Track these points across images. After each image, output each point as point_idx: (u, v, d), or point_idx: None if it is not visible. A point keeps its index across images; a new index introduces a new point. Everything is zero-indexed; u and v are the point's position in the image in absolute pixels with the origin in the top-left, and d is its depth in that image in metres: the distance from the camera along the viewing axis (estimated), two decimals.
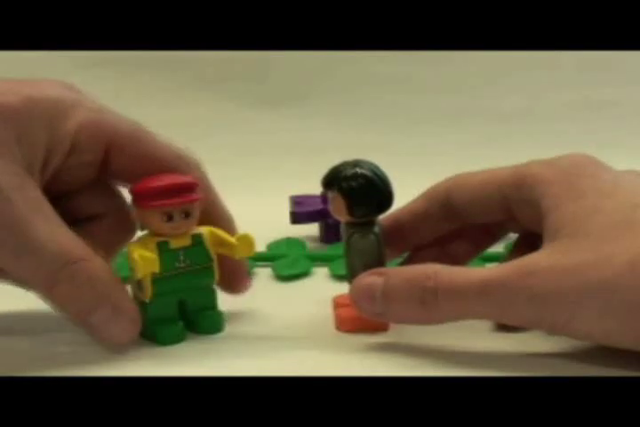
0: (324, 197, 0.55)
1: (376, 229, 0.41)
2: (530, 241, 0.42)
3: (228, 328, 0.42)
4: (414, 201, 0.43)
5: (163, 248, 0.40)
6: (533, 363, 0.37)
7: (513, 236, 0.46)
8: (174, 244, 0.40)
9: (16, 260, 0.38)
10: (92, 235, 0.42)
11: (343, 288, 0.42)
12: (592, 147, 0.41)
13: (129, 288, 0.41)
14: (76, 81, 0.43)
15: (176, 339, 0.41)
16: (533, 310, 0.36)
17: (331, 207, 0.41)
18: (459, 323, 0.39)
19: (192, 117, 0.80)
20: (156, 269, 0.39)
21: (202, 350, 0.40)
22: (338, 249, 0.44)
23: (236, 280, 0.44)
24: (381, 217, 0.42)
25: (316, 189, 0.44)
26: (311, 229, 0.58)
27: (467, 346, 0.40)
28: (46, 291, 0.39)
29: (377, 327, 0.41)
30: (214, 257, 0.41)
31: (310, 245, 0.56)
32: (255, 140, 0.79)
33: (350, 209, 0.40)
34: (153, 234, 0.40)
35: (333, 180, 0.40)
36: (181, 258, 0.40)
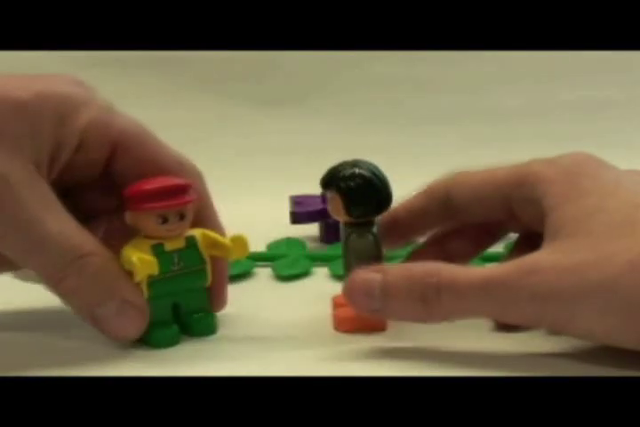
0: (323, 197, 0.55)
1: (374, 229, 0.41)
2: (530, 241, 0.42)
3: (228, 328, 0.42)
4: (413, 197, 0.43)
5: (157, 251, 0.40)
6: (533, 363, 0.37)
7: (513, 236, 0.46)
8: (169, 246, 0.40)
9: (26, 254, 0.39)
10: (99, 231, 0.42)
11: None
12: (592, 147, 0.41)
13: None
14: None
15: (171, 342, 0.41)
16: (534, 308, 0.36)
17: (329, 207, 0.41)
18: (458, 323, 0.39)
19: (192, 117, 0.80)
20: (155, 271, 0.39)
21: (201, 350, 0.40)
22: (338, 249, 0.44)
23: (213, 297, 0.43)
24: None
25: (315, 189, 0.44)
26: (311, 229, 0.58)
27: (466, 346, 0.40)
28: (55, 284, 0.39)
29: (375, 327, 0.41)
30: (207, 259, 0.41)
31: (310, 245, 0.56)
32: (255, 140, 0.79)
33: (348, 209, 0.40)
34: (146, 237, 0.40)
35: (332, 180, 0.40)
36: (176, 260, 0.40)
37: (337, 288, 0.45)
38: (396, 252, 0.49)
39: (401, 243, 0.44)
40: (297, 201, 0.58)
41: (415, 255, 0.44)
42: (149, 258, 0.39)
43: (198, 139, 0.75)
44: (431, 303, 0.38)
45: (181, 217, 0.40)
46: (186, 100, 0.82)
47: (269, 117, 0.82)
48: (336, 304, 0.43)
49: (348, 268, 0.41)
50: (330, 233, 0.57)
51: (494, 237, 0.45)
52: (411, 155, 0.74)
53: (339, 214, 0.41)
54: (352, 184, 0.40)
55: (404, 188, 0.43)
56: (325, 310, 0.43)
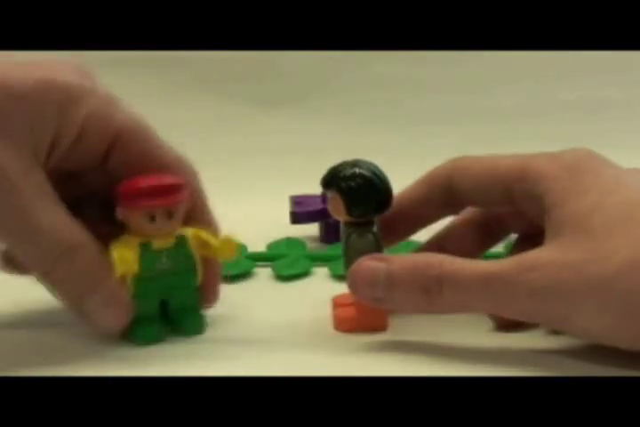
0: (323, 197, 0.55)
1: (374, 228, 0.41)
2: (530, 241, 0.42)
3: (228, 328, 0.43)
4: (414, 186, 0.43)
5: (145, 249, 0.40)
6: (533, 363, 0.38)
7: (513, 236, 0.46)
8: (157, 244, 0.40)
9: (18, 243, 0.39)
10: (92, 216, 0.42)
11: (343, 288, 0.42)
12: (592, 147, 0.41)
13: None
14: None
15: (154, 339, 0.41)
16: (533, 304, 0.36)
17: (329, 207, 0.41)
18: (458, 323, 0.39)
19: (192, 117, 0.80)
20: (134, 269, 0.39)
21: (200, 349, 0.40)
22: (338, 249, 0.44)
23: (204, 294, 0.43)
24: None
25: (316, 189, 0.44)
26: (311, 229, 0.58)
27: (466, 346, 0.40)
28: (44, 274, 0.40)
29: (375, 327, 0.41)
30: (198, 259, 0.41)
31: (310, 245, 0.56)
32: (255, 140, 0.79)
33: (349, 209, 0.40)
34: (136, 234, 0.40)
35: (332, 179, 0.40)
36: (164, 259, 0.40)
37: (337, 288, 0.45)
38: (397, 251, 0.49)
39: (405, 234, 0.44)
40: (297, 201, 0.58)
41: None
42: (129, 256, 0.39)
43: (198, 139, 0.75)
44: (433, 295, 0.38)
45: (170, 216, 0.40)
46: (186, 100, 0.82)
47: (269, 117, 0.82)
48: (336, 304, 0.43)
49: (349, 267, 0.41)
50: (330, 233, 0.57)
51: (495, 237, 0.45)
52: (411, 155, 0.73)
53: (339, 214, 0.41)
54: (352, 184, 0.40)
55: (404, 188, 0.43)
56: (325, 310, 0.43)
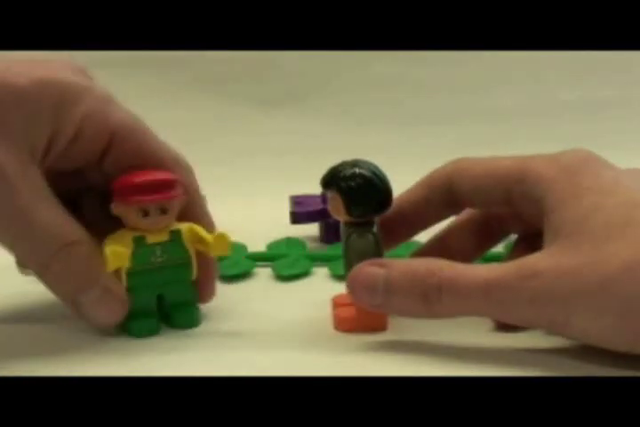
0: (323, 197, 0.55)
1: (374, 228, 0.41)
2: (529, 241, 0.42)
3: (228, 328, 0.42)
4: (414, 188, 0.43)
5: (139, 243, 0.40)
6: (533, 363, 0.37)
7: (513, 237, 0.46)
8: (151, 239, 0.41)
9: (15, 241, 0.40)
10: (90, 213, 0.43)
11: (343, 288, 0.42)
12: (592, 147, 0.41)
13: None
14: None
15: (149, 332, 0.41)
16: (533, 310, 0.36)
17: (329, 207, 0.41)
18: (458, 323, 0.39)
19: (192, 118, 0.80)
20: (126, 263, 0.40)
21: (199, 349, 0.40)
22: (338, 249, 0.44)
23: (200, 289, 0.43)
24: None
25: (316, 189, 0.44)
26: (311, 229, 0.58)
27: (466, 346, 0.40)
28: (41, 271, 0.40)
29: (375, 327, 0.41)
30: (192, 253, 0.42)
31: (310, 245, 0.56)
32: (255, 140, 0.79)
33: (349, 209, 0.40)
34: (130, 229, 0.41)
35: (332, 179, 0.40)
36: (158, 253, 0.41)
37: (337, 288, 0.45)
38: (398, 252, 0.49)
39: (405, 236, 0.44)
40: (297, 201, 0.58)
41: (417, 257, 0.44)
42: (121, 250, 0.40)
43: (198, 139, 0.75)
44: (432, 302, 0.38)
45: (163, 211, 0.40)
46: (186, 100, 0.82)
47: (269, 117, 0.82)
48: (336, 304, 0.43)
49: (349, 268, 0.41)
50: (330, 233, 0.57)
51: (495, 238, 0.45)
52: (411, 155, 0.73)
53: (339, 214, 0.41)
54: (352, 184, 0.40)
55: (404, 188, 0.43)
56: (325, 310, 0.43)
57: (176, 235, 0.41)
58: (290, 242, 0.55)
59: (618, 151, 0.47)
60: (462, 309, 0.38)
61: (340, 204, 0.40)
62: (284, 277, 0.51)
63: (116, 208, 0.40)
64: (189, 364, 0.39)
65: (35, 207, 0.39)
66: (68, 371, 0.38)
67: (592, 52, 0.77)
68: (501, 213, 0.44)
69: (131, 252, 0.40)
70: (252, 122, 0.81)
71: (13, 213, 0.39)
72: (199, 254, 0.42)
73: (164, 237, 0.41)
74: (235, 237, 0.42)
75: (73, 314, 0.41)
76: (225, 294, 0.45)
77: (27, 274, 0.44)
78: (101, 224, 0.41)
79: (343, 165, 0.41)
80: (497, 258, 0.49)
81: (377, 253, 0.41)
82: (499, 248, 0.48)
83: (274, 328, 0.42)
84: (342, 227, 0.41)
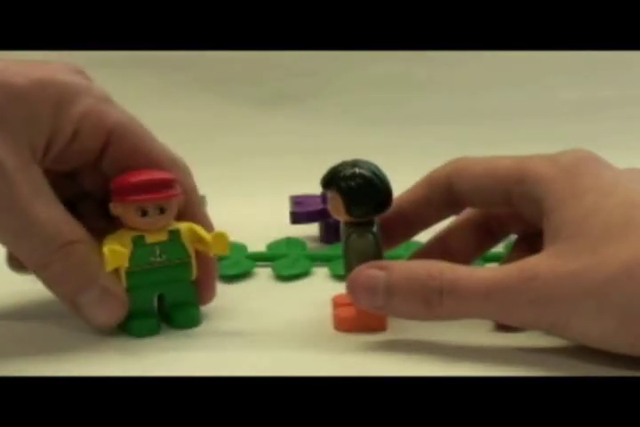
0: (323, 197, 0.55)
1: (374, 228, 0.41)
2: (529, 241, 0.42)
3: (227, 328, 0.42)
4: (414, 187, 0.43)
5: (138, 243, 0.40)
6: (533, 363, 0.37)
7: (513, 237, 0.46)
8: (150, 238, 0.41)
9: (14, 240, 0.40)
10: (89, 213, 0.43)
11: (343, 288, 0.42)
12: (592, 147, 0.41)
13: None
14: None
15: (150, 332, 0.41)
16: (534, 312, 0.36)
17: (329, 207, 0.41)
18: (458, 323, 0.39)
19: (191, 118, 0.80)
20: (124, 263, 0.40)
21: (198, 349, 0.40)
22: (338, 249, 0.44)
23: (200, 289, 0.43)
24: None
25: (316, 189, 0.44)
26: (311, 229, 0.58)
27: (466, 346, 0.40)
28: (39, 270, 0.40)
29: (375, 327, 0.41)
30: (192, 252, 0.42)
31: (310, 245, 0.56)
32: (255, 140, 0.79)
33: (349, 209, 0.40)
34: (129, 228, 0.41)
35: (332, 179, 0.40)
36: (157, 253, 0.41)
37: (337, 288, 0.45)
38: (398, 252, 0.49)
39: (406, 236, 0.44)
40: (297, 201, 0.58)
41: (417, 257, 0.44)
42: (121, 250, 0.40)
43: (198, 139, 0.75)
44: (433, 305, 0.38)
45: (162, 211, 0.40)
46: (185, 100, 0.82)
47: (269, 117, 0.82)
48: (336, 304, 0.43)
49: (349, 268, 0.41)
50: (330, 233, 0.57)
51: (495, 238, 0.45)
52: (411, 155, 0.73)
53: (339, 214, 0.41)
54: (352, 184, 0.40)
55: (404, 188, 0.43)
56: (325, 310, 0.43)
57: (175, 234, 0.41)
58: (290, 242, 0.55)
59: (618, 151, 0.47)
60: (463, 311, 0.38)
61: (340, 204, 0.40)
62: (283, 277, 0.51)
63: (115, 208, 0.41)
64: (189, 364, 0.39)
65: (34, 205, 0.39)
66: (68, 371, 0.38)
67: (592, 52, 0.77)
68: (501, 213, 0.44)
69: (130, 251, 0.40)
70: (252, 122, 0.81)
71: (13, 210, 0.39)
72: (199, 254, 0.42)
73: (162, 236, 0.41)
74: (235, 237, 0.42)
75: (72, 314, 0.41)
76: (225, 293, 0.45)
77: (21, 273, 0.44)
78: (99, 229, 0.41)
79: (343, 165, 0.41)
80: (497, 258, 0.49)
81: (377, 253, 0.41)
82: (499, 248, 0.48)
83: (274, 328, 0.42)
84: (342, 227, 0.41)
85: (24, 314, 0.45)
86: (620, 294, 0.35)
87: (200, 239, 0.41)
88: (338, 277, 0.50)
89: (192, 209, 0.43)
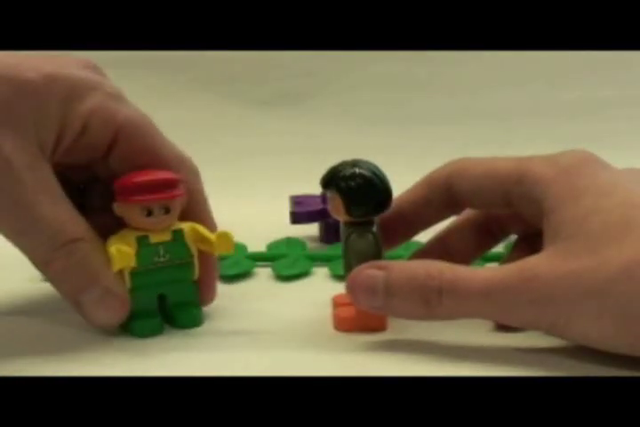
0: (323, 197, 0.55)
1: (374, 228, 0.41)
2: (529, 241, 0.42)
3: (227, 328, 0.43)
4: (413, 188, 0.43)
5: (142, 242, 0.40)
6: (533, 363, 0.37)
7: (513, 237, 0.46)
8: (154, 238, 0.41)
9: (19, 236, 0.40)
10: (96, 209, 0.43)
11: (343, 288, 0.42)
12: (592, 147, 0.41)
13: None
14: None
15: (152, 332, 0.41)
16: (534, 312, 0.36)
17: (329, 207, 0.41)
18: (458, 323, 0.39)
19: (191, 118, 0.80)
20: (132, 263, 0.40)
21: (199, 349, 0.40)
22: (338, 249, 0.44)
23: (201, 289, 0.43)
24: None
25: (316, 189, 0.44)
26: (311, 229, 0.58)
27: (466, 346, 0.40)
28: (43, 266, 0.40)
29: (375, 327, 0.41)
30: (195, 252, 0.42)
31: (310, 245, 0.56)
32: (255, 140, 0.79)
33: (348, 209, 0.40)
34: (133, 228, 0.41)
35: (332, 179, 0.40)
36: (161, 253, 0.41)
37: (337, 288, 0.45)
38: (398, 252, 0.49)
39: (405, 236, 0.44)
40: (297, 201, 0.58)
41: (417, 257, 0.44)
42: (128, 250, 0.40)
43: (198, 139, 0.75)
44: (433, 304, 0.38)
45: (166, 211, 0.40)
46: (185, 100, 0.82)
47: (269, 117, 0.82)
48: (336, 304, 0.43)
49: (348, 268, 0.41)
50: (330, 233, 0.57)
51: (495, 238, 0.45)
52: (411, 155, 0.73)
53: (339, 214, 0.41)
54: (352, 184, 0.40)
55: (404, 188, 0.43)
56: (325, 310, 0.43)
57: (178, 234, 0.41)
58: (290, 242, 0.55)
59: (618, 151, 0.47)
60: (463, 311, 0.38)
61: (339, 204, 0.40)
62: (283, 277, 0.51)
63: (119, 208, 0.40)
64: (192, 364, 0.39)
65: (40, 201, 0.39)
66: (69, 371, 0.38)
67: (592, 52, 0.77)
68: (501, 213, 0.44)
69: (135, 252, 0.40)
70: (252, 122, 0.81)
71: (18, 206, 0.39)
72: (200, 254, 0.42)
73: (166, 236, 0.41)
74: (235, 237, 0.42)
75: (74, 312, 0.41)
76: (225, 293, 0.45)
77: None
78: (105, 224, 0.41)
79: (343, 165, 0.41)
80: (497, 258, 0.49)
81: (377, 253, 0.41)
82: (499, 248, 0.48)
83: (274, 328, 0.42)
84: (342, 227, 0.41)
85: (24, 314, 0.45)
86: (620, 295, 0.35)
87: (203, 239, 0.41)
88: (338, 277, 0.50)
89: (197, 209, 0.43)
